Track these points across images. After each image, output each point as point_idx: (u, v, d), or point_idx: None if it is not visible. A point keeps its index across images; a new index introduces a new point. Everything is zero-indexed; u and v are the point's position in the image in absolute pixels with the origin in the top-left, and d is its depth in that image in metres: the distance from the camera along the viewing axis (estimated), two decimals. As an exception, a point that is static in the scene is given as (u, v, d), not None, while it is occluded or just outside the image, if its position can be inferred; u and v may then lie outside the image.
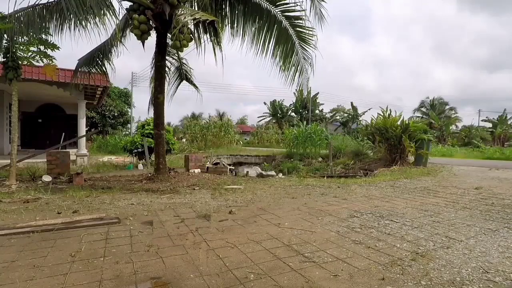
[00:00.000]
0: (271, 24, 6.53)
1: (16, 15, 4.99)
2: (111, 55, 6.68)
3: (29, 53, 5.92)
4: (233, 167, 12.72)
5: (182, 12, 5.22)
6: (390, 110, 11.19)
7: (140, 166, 9.65)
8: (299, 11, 6.43)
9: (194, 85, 8.78)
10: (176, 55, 8.09)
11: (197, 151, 17.31)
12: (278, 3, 6.47)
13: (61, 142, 10.37)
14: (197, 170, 8.36)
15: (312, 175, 10.03)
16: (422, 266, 2.20)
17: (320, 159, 13.70)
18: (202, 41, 6.49)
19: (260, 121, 40.37)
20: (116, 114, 26.66)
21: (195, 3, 6.81)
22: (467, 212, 3.84)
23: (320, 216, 3.62)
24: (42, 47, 5.89)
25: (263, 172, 11.26)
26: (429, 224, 3.28)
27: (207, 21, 5.29)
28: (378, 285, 1.91)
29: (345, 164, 11.69)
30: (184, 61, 8.37)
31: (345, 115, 36.43)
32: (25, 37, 5.56)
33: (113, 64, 6.84)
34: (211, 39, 6.56)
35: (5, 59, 5.53)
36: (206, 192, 5.18)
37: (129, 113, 29.06)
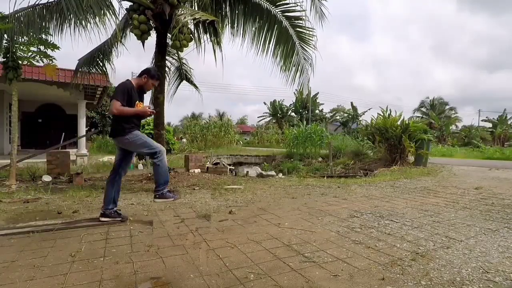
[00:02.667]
0: (271, 24, 6.53)
1: (16, 15, 4.99)
2: (111, 55, 6.68)
3: (29, 53, 5.91)
4: (233, 167, 12.72)
5: (182, 12, 5.22)
6: (390, 110, 11.18)
7: (140, 166, 9.65)
8: (299, 11, 6.44)
9: (194, 85, 8.77)
10: (176, 55, 8.08)
11: (197, 151, 17.29)
12: (278, 3, 6.47)
13: (61, 142, 10.37)
14: (197, 170, 8.36)
15: (312, 175, 10.03)
16: (422, 266, 2.19)
17: (320, 159, 13.69)
18: (202, 41, 6.49)
19: (260, 121, 40.42)
20: (116, 114, 26.58)
21: (195, 3, 6.80)
22: (467, 212, 3.84)
23: (320, 216, 3.62)
24: (42, 47, 5.88)
25: (263, 172, 11.25)
26: (429, 224, 3.28)
27: (207, 21, 5.29)
28: (378, 285, 1.91)
29: (345, 164, 11.69)
30: (184, 61, 8.37)
31: (345, 115, 36.40)
32: (25, 37, 5.55)
33: (113, 64, 6.82)
34: (211, 39, 6.55)
35: (5, 59, 5.52)
36: (206, 192, 5.18)
37: (129, 113, 28.97)
